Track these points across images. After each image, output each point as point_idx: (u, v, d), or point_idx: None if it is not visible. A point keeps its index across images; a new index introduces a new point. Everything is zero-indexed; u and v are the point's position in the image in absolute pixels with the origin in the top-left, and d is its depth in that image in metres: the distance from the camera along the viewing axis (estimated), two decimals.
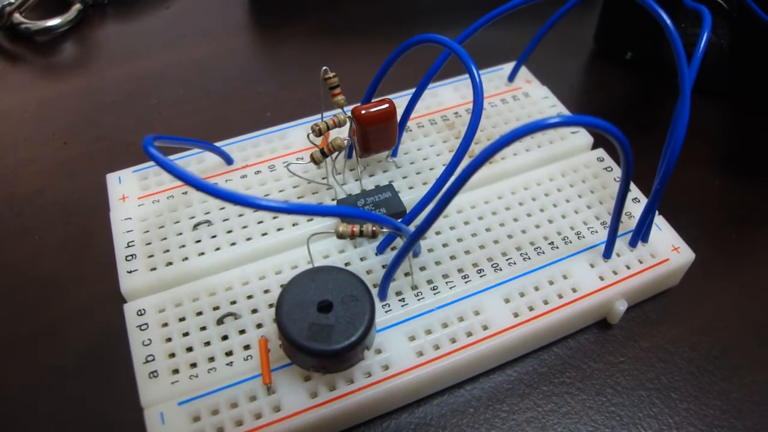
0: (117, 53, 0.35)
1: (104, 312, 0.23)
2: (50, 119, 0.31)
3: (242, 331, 0.21)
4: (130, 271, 0.23)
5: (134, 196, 0.25)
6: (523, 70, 0.29)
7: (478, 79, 0.20)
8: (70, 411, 0.22)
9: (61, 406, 0.22)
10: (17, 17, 0.35)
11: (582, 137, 0.27)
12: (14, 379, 0.22)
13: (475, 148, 0.26)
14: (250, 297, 0.22)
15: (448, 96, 0.28)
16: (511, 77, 0.29)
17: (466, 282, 0.22)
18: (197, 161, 0.26)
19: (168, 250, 0.23)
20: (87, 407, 0.22)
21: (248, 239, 0.23)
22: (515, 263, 0.23)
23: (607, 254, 0.23)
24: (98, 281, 0.25)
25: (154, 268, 0.23)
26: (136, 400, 0.20)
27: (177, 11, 0.38)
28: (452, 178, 0.18)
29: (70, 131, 0.31)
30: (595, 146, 0.27)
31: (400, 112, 0.24)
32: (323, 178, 0.25)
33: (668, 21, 0.21)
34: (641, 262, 0.23)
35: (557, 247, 0.23)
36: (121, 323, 0.21)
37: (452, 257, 0.23)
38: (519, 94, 0.29)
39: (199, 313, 0.22)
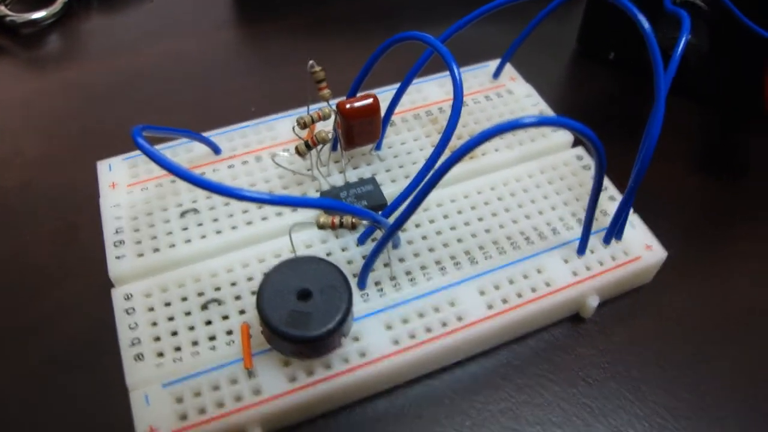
0: (102, 46, 0.35)
1: (93, 303, 0.24)
2: (36, 112, 0.32)
3: (225, 317, 0.22)
4: (119, 257, 0.23)
5: (124, 184, 0.25)
6: (509, 68, 0.30)
7: (458, 77, 0.20)
8: (60, 401, 0.22)
9: (51, 396, 0.22)
10: (2, 10, 0.35)
11: (562, 136, 0.27)
12: (5, 371, 0.23)
13: (458, 144, 0.26)
14: (233, 284, 0.23)
15: (432, 91, 0.29)
16: (496, 74, 0.30)
17: (443, 274, 0.23)
18: (186, 151, 0.26)
19: (155, 237, 0.24)
20: (76, 395, 0.22)
21: (233, 228, 0.24)
22: (491, 257, 0.24)
23: (580, 250, 0.24)
24: (87, 273, 0.25)
25: (142, 255, 0.23)
26: (124, 386, 0.21)
27: (162, 5, 0.38)
28: (430, 174, 0.19)
29: (56, 124, 0.31)
30: (575, 144, 0.28)
31: (384, 106, 0.25)
32: (308, 170, 0.25)
33: (647, 27, 0.22)
34: (614, 259, 0.24)
35: (533, 242, 0.24)
36: (109, 314, 0.22)
37: (431, 249, 0.24)
38: (503, 92, 0.29)
39: (185, 299, 0.22)
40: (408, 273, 0.23)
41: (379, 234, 0.23)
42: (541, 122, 0.18)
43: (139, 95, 0.33)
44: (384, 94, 0.26)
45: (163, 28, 0.36)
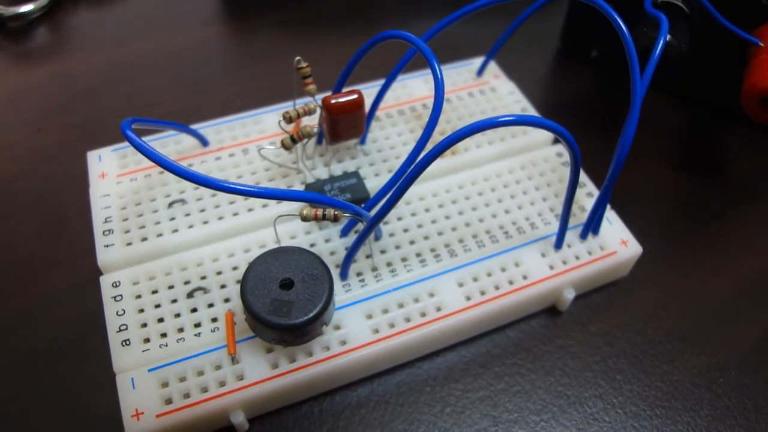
0: (90, 40, 0.35)
1: (82, 291, 0.24)
2: (24, 106, 0.32)
3: (211, 305, 0.22)
4: (107, 245, 0.24)
5: (113, 174, 0.26)
6: (492, 65, 0.30)
7: (439, 76, 0.21)
8: (49, 385, 0.23)
9: (40, 381, 0.23)
10: None
11: (543, 133, 0.28)
12: None
13: (440, 139, 0.27)
14: (219, 273, 0.23)
15: (417, 87, 0.29)
16: (480, 71, 0.30)
17: (423, 266, 0.24)
18: (175, 142, 0.27)
19: (144, 227, 0.24)
20: (65, 380, 0.23)
21: (220, 218, 0.24)
22: (470, 250, 0.24)
23: (558, 245, 0.24)
24: (75, 261, 0.25)
25: (130, 243, 0.24)
26: (111, 370, 0.21)
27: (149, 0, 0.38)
28: (410, 168, 0.19)
29: (44, 118, 0.31)
30: (555, 141, 0.28)
31: (369, 102, 0.25)
32: (294, 163, 0.26)
33: (626, 33, 0.22)
34: (590, 254, 0.24)
35: (511, 236, 0.25)
36: (98, 301, 0.22)
37: (411, 242, 0.24)
38: (486, 89, 0.30)
39: (171, 287, 0.23)
40: (389, 264, 0.24)
41: (361, 226, 0.24)
42: (518, 121, 0.19)
43: (127, 88, 0.33)
44: (369, 90, 0.26)
45: (151, 22, 0.37)
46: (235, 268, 0.23)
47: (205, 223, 0.24)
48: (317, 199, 0.20)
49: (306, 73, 0.24)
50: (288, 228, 0.24)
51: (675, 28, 0.27)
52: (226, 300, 0.22)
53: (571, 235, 0.25)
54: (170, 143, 0.27)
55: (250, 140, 0.27)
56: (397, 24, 0.36)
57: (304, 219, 0.21)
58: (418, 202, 0.25)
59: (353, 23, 0.37)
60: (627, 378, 0.24)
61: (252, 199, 0.25)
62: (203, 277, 0.23)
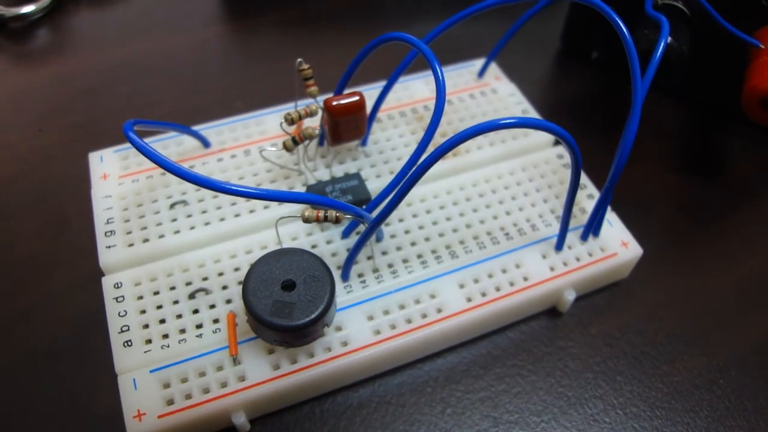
0: (91, 41, 0.35)
1: (84, 292, 0.24)
2: (25, 106, 0.32)
3: (212, 306, 0.22)
4: (109, 247, 0.24)
5: (115, 175, 0.26)
6: (493, 67, 0.30)
7: (441, 77, 0.21)
8: (50, 386, 0.23)
9: (42, 382, 0.23)
10: None
11: (544, 134, 0.28)
12: None
13: (441, 141, 0.27)
14: (221, 274, 0.23)
15: (419, 89, 0.29)
16: (481, 73, 0.30)
17: (424, 267, 0.24)
18: (176, 144, 0.27)
19: (145, 228, 0.24)
20: (66, 381, 0.23)
21: (222, 220, 0.24)
22: (471, 251, 0.24)
23: (558, 246, 0.24)
24: (77, 262, 0.25)
25: (132, 244, 0.24)
26: (113, 371, 0.21)
27: (151, 0, 0.38)
28: (412, 170, 0.19)
29: (44, 118, 0.31)
30: (556, 143, 0.28)
31: (371, 103, 0.25)
32: (295, 164, 0.26)
33: (627, 35, 0.22)
34: (591, 255, 0.24)
35: (512, 238, 0.25)
36: (99, 303, 0.22)
37: (413, 243, 0.24)
38: (487, 91, 0.30)
39: (173, 288, 0.23)
40: (390, 266, 0.24)
41: (362, 228, 0.24)
42: (520, 123, 0.19)
43: (128, 89, 0.33)
44: (370, 91, 0.26)
45: (152, 23, 0.37)
46: (236, 269, 0.23)
47: (207, 224, 0.24)
48: (319, 200, 0.20)
49: (307, 75, 0.24)
50: (289, 229, 0.24)
51: (676, 30, 0.27)
52: (228, 301, 0.22)
53: (571, 237, 0.25)
54: (172, 144, 0.27)
55: (251, 141, 0.27)
56: (398, 25, 0.36)
57: (306, 220, 0.21)
58: (420, 204, 0.25)
59: (354, 24, 0.37)
60: (627, 379, 0.24)
61: (254, 201, 0.25)
62: (205, 279, 0.23)
